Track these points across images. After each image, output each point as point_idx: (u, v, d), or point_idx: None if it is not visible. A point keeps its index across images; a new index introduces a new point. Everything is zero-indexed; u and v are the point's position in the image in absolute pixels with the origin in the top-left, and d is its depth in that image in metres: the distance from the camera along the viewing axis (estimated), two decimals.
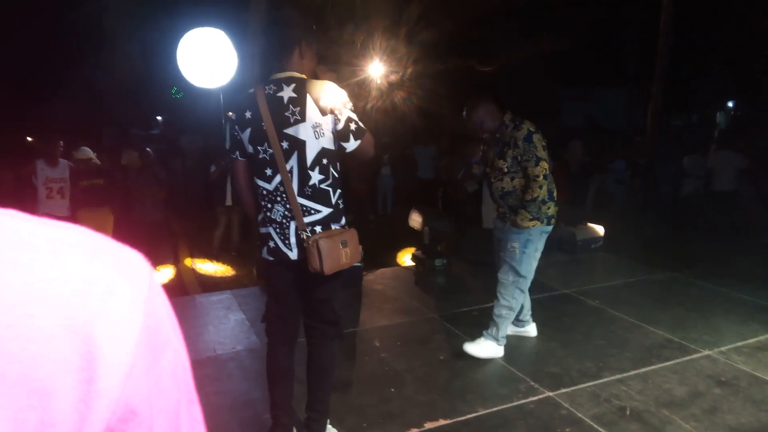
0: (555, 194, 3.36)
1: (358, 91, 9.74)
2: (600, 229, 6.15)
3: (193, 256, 6.95)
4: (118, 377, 0.33)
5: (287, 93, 2.21)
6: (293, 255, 2.30)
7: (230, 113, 2.38)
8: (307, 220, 2.27)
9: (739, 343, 3.70)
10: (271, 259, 2.36)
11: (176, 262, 6.66)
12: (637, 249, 6.13)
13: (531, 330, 3.85)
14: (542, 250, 3.47)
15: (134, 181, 6.23)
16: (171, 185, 7.28)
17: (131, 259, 0.38)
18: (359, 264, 4.70)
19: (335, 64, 8.90)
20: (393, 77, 10.67)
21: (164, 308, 0.38)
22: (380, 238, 7.72)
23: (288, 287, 2.41)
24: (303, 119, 2.20)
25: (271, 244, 2.32)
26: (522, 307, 3.70)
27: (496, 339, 3.49)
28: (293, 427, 2.55)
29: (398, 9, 9.66)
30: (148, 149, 6.60)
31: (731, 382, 3.19)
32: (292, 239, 2.28)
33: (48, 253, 0.33)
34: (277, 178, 2.24)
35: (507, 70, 11.73)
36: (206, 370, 3.35)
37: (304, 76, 2.28)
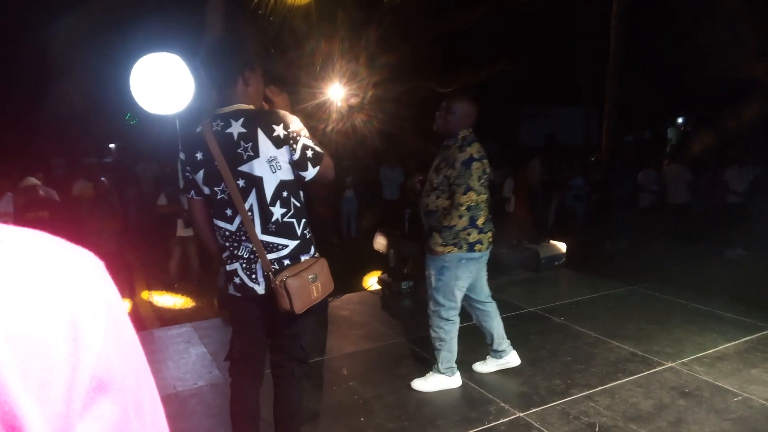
0: (480, 223, 3.15)
1: (318, 114, 9.73)
2: (562, 246, 6.25)
3: (150, 288, 6.72)
4: (97, 338, 0.40)
5: (236, 129, 2.10)
6: (260, 289, 2.20)
7: (180, 154, 2.23)
8: (273, 256, 2.17)
9: (700, 354, 3.78)
10: (237, 295, 2.25)
11: (132, 294, 6.42)
12: (598, 264, 6.25)
13: (512, 360, 3.61)
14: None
15: (88, 212, 6.00)
16: (125, 215, 7.07)
17: (84, 251, 0.45)
18: None
19: (294, 86, 8.88)
20: (353, 100, 10.72)
21: (116, 291, 0.46)
22: (345, 262, 7.65)
23: (254, 323, 2.31)
24: (256, 155, 2.09)
25: (237, 280, 2.22)
26: (493, 337, 3.54)
27: (440, 372, 3.36)
28: None
29: (357, 31, 9.75)
30: (102, 179, 6.39)
31: (694, 393, 3.24)
32: (259, 274, 2.18)
33: (24, 250, 0.40)
34: (239, 218, 2.15)
35: (467, 90, 11.95)
36: (166, 408, 3.14)
37: (251, 107, 2.18)
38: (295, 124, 2.17)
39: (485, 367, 3.61)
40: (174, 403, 3.25)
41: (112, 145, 15.74)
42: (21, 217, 5.31)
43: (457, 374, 3.41)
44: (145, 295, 6.50)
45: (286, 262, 2.19)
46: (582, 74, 16.13)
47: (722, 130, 9.68)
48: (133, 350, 0.46)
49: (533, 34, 13.37)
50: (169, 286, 6.77)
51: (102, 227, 5.97)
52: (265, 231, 2.16)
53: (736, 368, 3.55)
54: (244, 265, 2.19)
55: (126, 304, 6.05)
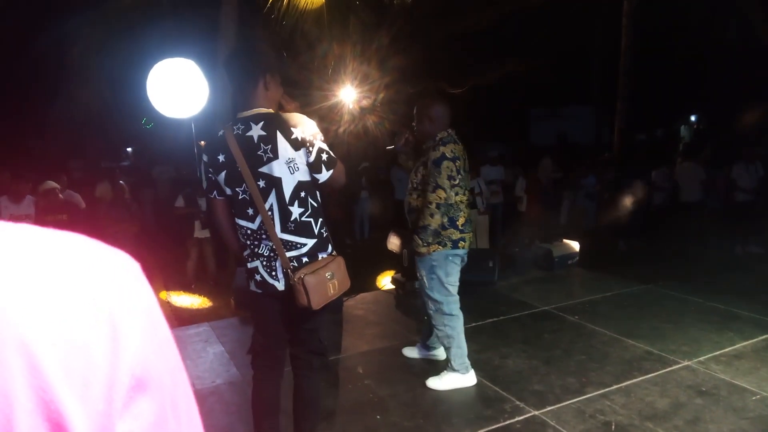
0: (460, 224, 3.21)
1: (330, 116, 9.79)
2: (575, 245, 6.24)
3: (167, 288, 6.80)
4: (135, 337, 0.42)
5: (256, 132, 2.20)
6: (280, 286, 2.28)
7: (203, 143, 2.37)
8: (292, 254, 2.25)
9: (717, 352, 3.76)
10: (258, 291, 2.33)
11: None
12: (611, 263, 6.23)
13: (440, 354, 3.73)
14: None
15: (106, 214, 6.10)
16: (143, 217, 7.16)
17: (121, 252, 0.48)
18: None
19: (307, 88, 8.95)
20: (365, 101, 10.76)
21: (152, 292, 0.47)
22: (359, 262, 7.69)
23: (274, 319, 2.39)
24: (276, 156, 2.19)
25: (258, 277, 2.31)
26: (429, 332, 3.66)
27: (455, 370, 3.40)
28: None
29: (369, 34, 9.80)
30: (121, 182, 6.48)
31: (711, 392, 3.23)
32: (279, 272, 2.27)
33: (67, 251, 0.43)
34: (260, 218, 2.24)
35: (478, 91, 11.95)
36: None
37: (271, 111, 2.28)
38: (312, 128, 2.27)
39: (412, 352, 3.82)
40: None
41: (129, 149, 15.95)
42: (42, 220, 5.42)
43: (472, 372, 3.43)
44: (163, 295, 6.59)
45: (305, 259, 2.27)
46: (593, 73, 16.05)
47: (735, 128, 9.60)
48: (169, 350, 0.47)
49: (544, 35, 13.34)
50: (187, 287, 6.85)
51: (120, 229, 6.06)
52: (284, 230, 2.25)
53: (753, 367, 3.53)
54: (264, 263, 2.28)
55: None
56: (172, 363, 0.47)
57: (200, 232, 6.77)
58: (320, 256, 2.31)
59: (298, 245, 2.27)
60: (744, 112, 9.61)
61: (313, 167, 2.26)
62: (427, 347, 3.79)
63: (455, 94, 11.00)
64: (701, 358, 3.67)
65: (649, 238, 7.85)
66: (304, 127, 2.24)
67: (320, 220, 2.34)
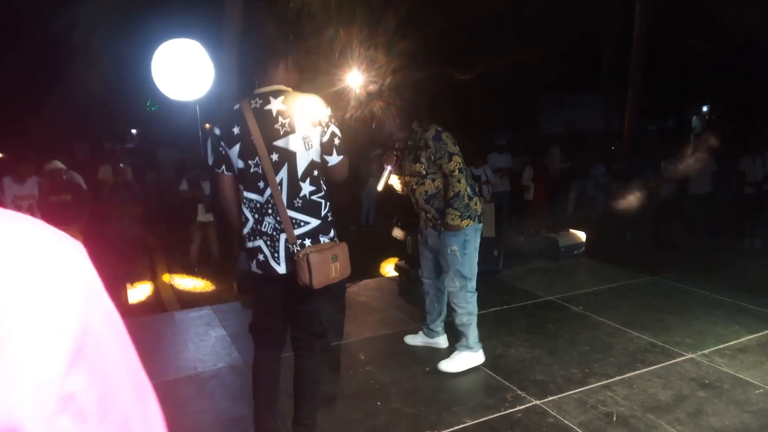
0: (476, 188, 3.40)
1: (336, 101, 9.71)
2: (582, 235, 6.19)
3: (171, 271, 6.82)
4: (78, 302, 0.45)
5: (276, 105, 2.23)
6: (281, 269, 2.30)
7: (208, 125, 2.37)
8: (296, 232, 2.27)
9: (721, 345, 3.73)
10: (259, 272, 2.35)
11: (154, 278, 6.53)
12: (618, 253, 6.18)
13: (442, 341, 3.77)
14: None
15: (109, 197, 6.09)
16: (146, 200, 7.16)
17: (64, 234, 0.50)
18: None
19: (313, 73, 8.87)
20: (372, 86, 10.66)
21: (94, 270, 0.50)
22: (363, 249, 7.67)
23: (274, 301, 2.43)
24: (293, 131, 2.22)
25: (261, 257, 2.32)
26: (437, 315, 3.71)
27: (469, 348, 3.45)
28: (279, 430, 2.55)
29: (376, 18, 9.69)
30: (122, 165, 6.47)
31: (714, 385, 3.20)
32: (281, 253, 2.29)
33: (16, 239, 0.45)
34: (269, 191, 2.25)
35: (487, 78, 11.82)
36: (187, 389, 3.26)
37: (290, 89, 2.30)
38: (329, 110, 2.32)
39: (414, 340, 3.82)
40: (194, 384, 3.31)
41: (133, 131, 15.95)
42: (45, 200, 5.42)
43: (482, 350, 3.49)
44: (167, 278, 6.61)
45: (307, 241, 2.29)
46: (604, 61, 15.83)
47: (747, 120, 9.45)
48: (113, 319, 0.50)
49: (554, 21, 13.13)
50: (190, 270, 6.87)
51: (123, 212, 6.06)
52: (290, 206, 2.27)
53: (758, 360, 3.50)
54: (267, 242, 2.30)
55: (147, 288, 6.16)
56: (117, 331, 0.50)
57: (204, 216, 6.77)
58: (321, 239, 2.32)
59: (302, 223, 2.28)
60: (757, 103, 9.46)
61: (325, 148, 2.31)
62: (431, 333, 3.78)
63: (464, 81, 10.89)
64: (705, 351, 3.64)
65: (657, 229, 7.78)
66: (322, 107, 2.28)
67: (329, 204, 2.37)
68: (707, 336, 3.89)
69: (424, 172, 3.30)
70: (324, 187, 2.35)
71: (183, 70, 6.46)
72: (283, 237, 2.28)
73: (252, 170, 2.26)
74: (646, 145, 9.31)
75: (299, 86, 2.44)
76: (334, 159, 2.33)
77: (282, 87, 2.29)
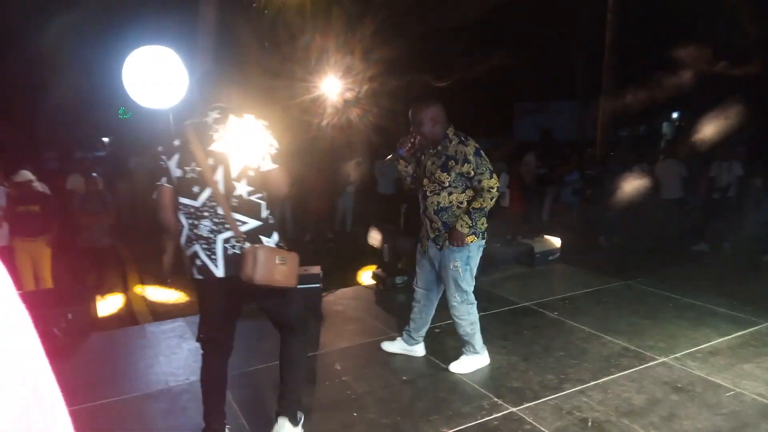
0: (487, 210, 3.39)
1: (312, 108, 9.67)
2: (557, 241, 6.25)
3: (143, 283, 6.68)
4: None
5: (211, 117, 2.41)
6: (219, 272, 2.39)
7: (159, 147, 2.48)
8: (233, 233, 2.38)
9: (693, 349, 3.79)
10: (200, 278, 2.42)
11: (125, 290, 6.39)
12: (592, 259, 6.25)
13: (419, 350, 3.78)
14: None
15: (80, 207, 5.94)
16: (119, 210, 7.01)
17: None
18: (318, 285, 4.61)
19: (289, 80, 8.83)
20: (348, 94, 10.66)
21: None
22: (340, 256, 7.63)
23: (217, 306, 2.51)
24: (225, 134, 2.37)
25: (198, 262, 2.40)
26: (422, 325, 3.71)
27: (477, 352, 3.55)
28: (225, 431, 2.65)
29: (352, 25, 9.70)
30: (94, 174, 6.33)
31: (687, 388, 3.24)
32: (219, 254, 2.37)
33: None
34: (205, 193, 2.36)
35: (462, 85, 11.91)
36: (158, 404, 3.18)
37: (228, 106, 2.46)
38: (265, 122, 2.45)
39: (392, 347, 3.84)
40: (166, 399, 3.23)
41: (105, 139, 15.64)
42: (12, 211, 5.27)
43: (487, 352, 3.62)
44: (139, 290, 6.47)
45: (246, 243, 2.36)
46: (578, 69, 16.11)
47: (717, 126, 9.69)
48: (16, 309, 0.50)
49: (529, 30, 13.33)
50: (163, 281, 6.73)
51: (94, 222, 5.92)
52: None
53: (728, 363, 3.56)
54: (204, 246, 2.38)
55: (119, 300, 6.03)
56: (22, 322, 0.49)
57: None
58: (263, 239, 2.42)
59: (239, 223, 2.38)
60: (724, 110, 9.70)
61: (260, 153, 2.42)
62: (411, 341, 3.76)
63: (440, 88, 10.96)
64: (677, 355, 3.69)
65: (630, 234, 7.90)
66: (256, 118, 2.43)
67: (270, 209, 2.49)
68: (679, 339, 3.95)
69: (446, 184, 3.27)
70: (263, 191, 2.44)
71: (155, 77, 6.36)
72: (220, 238, 2.36)
73: (188, 176, 2.37)
74: (618, 151, 9.47)
75: (261, 98, 2.64)
76: (267, 165, 2.40)
77: (221, 105, 2.44)
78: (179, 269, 6.84)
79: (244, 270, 2.27)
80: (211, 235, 2.36)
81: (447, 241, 3.32)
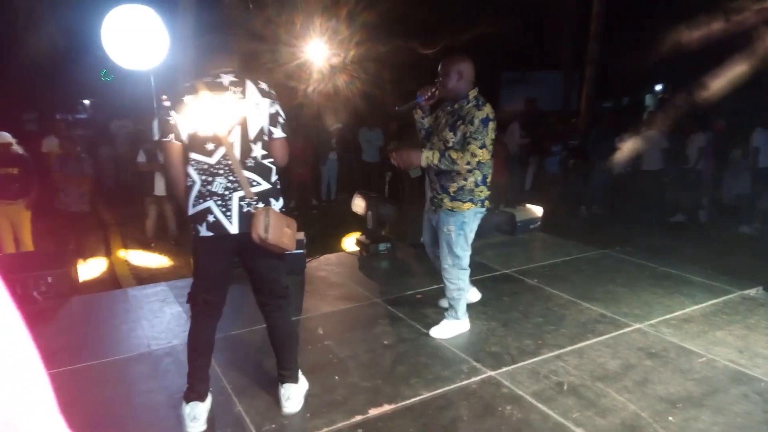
0: (489, 181, 3.42)
1: (298, 73, 9.51)
2: (538, 211, 6.31)
3: (126, 247, 6.63)
4: None
5: (227, 78, 2.41)
6: (234, 229, 2.39)
7: (164, 98, 2.43)
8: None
9: (667, 316, 3.88)
10: (209, 234, 2.39)
11: (108, 254, 6.35)
12: (572, 228, 6.34)
13: (472, 296, 3.94)
14: (478, 231, 3.56)
15: (57, 170, 5.83)
16: (99, 173, 6.90)
17: None
18: (302, 251, 4.62)
19: (274, 44, 8.65)
20: (335, 60, 10.49)
21: None
22: (324, 223, 7.64)
23: (218, 266, 2.50)
24: (244, 97, 2.39)
25: (211, 218, 2.38)
26: None
27: (458, 318, 3.60)
28: (208, 392, 2.64)
29: None
30: (70, 136, 6.19)
31: (660, 354, 3.34)
32: (235, 211, 2.37)
33: None
34: (220, 151, 2.36)
35: (448, 53, 11.77)
36: (139, 367, 3.20)
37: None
38: (274, 92, 2.51)
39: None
40: (148, 362, 3.25)
41: (86, 102, 15.26)
42: None
43: (467, 318, 3.67)
44: (122, 254, 6.43)
45: (260, 203, 2.41)
46: (565, 38, 15.99)
47: (698, 99, 9.74)
48: None
49: None
50: (146, 246, 6.70)
51: (71, 185, 5.82)
52: (243, 166, 2.39)
53: (701, 330, 3.66)
54: (219, 202, 2.38)
55: (101, 263, 5.99)
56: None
57: (160, 190, 6.58)
58: (272, 202, 2.46)
59: (254, 182, 2.41)
60: (705, 84, 9.75)
61: (271, 120, 2.47)
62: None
63: (425, 55, 10.82)
64: (652, 321, 3.79)
65: (611, 204, 8.00)
66: (269, 85, 2.49)
67: (278, 174, 2.51)
68: (654, 307, 4.04)
69: (450, 144, 3.28)
70: (273, 156, 2.50)
71: (136, 37, 6.19)
72: (236, 195, 2.37)
73: (201, 133, 2.36)
74: (601, 122, 9.51)
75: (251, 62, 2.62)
76: (277, 132, 2.48)
77: (231, 69, 2.47)
78: (162, 234, 6.83)
79: (256, 229, 2.30)
80: (226, 192, 2.37)
81: (442, 205, 3.39)
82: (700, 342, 3.49)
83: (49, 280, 4.06)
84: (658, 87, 18.69)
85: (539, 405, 2.80)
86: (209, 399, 2.65)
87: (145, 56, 5.92)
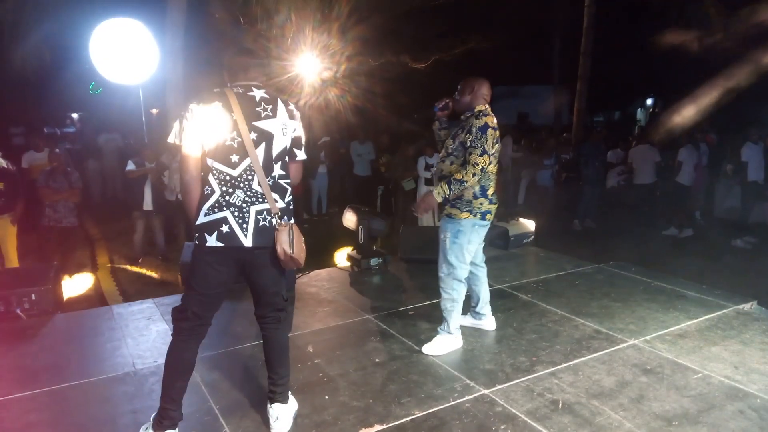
0: (490, 193, 3.41)
1: (289, 87, 9.49)
2: (531, 225, 6.28)
3: (113, 262, 6.53)
4: None
5: (259, 94, 2.43)
6: (247, 242, 2.35)
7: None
8: (264, 207, 2.39)
9: (662, 332, 3.84)
10: (218, 245, 2.34)
11: (94, 269, 6.24)
12: (565, 242, 6.30)
13: (487, 324, 3.88)
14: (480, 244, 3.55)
15: (44, 185, 5.73)
16: (86, 187, 6.81)
17: None
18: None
19: (264, 58, 8.62)
20: (326, 74, 10.48)
21: None
22: (314, 238, 7.57)
23: (219, 280, 2.43)
24: (274, 116, 2.42)
25: (225, 228, 2.34)
26: (479, 299, 3.82)
27: (449, 332, 3.55)
28: (179, 422, 2.53)
29: (329, 3, 9.51)
30: (57, 150, 6.11)
31: (656, 370, 3.29)
32: (251, 224, 2.35)
33: None
34: (245, 164, 2.36)
35: (439, 67, 11.83)
36: (124, 387, 3.10)
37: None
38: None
39: (463, 320, 3.82)
40: (132, 382, 3.16)
41: (74, 115, 15.16)
42: None
43: (460, 334, 3.62)
44: (108, 270, 6.32)
45: (274, 219, 2.41)
46: (555, 53, 16.15)
47: (689, 112, 9.82)
48: None
49: (506, 13, 13.26)
50: (133, 261, 6.59)
51: (59, 199, 5.72)
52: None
53: (697, 346, 3.62)
54: (236, 213, 2.35)
55: (87, 279, 5.88)
56: None
57: (148, 205, 6.49)
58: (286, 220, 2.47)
59: (275, 199, 2.43)
60: (696, 98, 9.84)
61: (295, 142, 2.53)
62: (476, 315, 3.87)
63: (417, 70, 10.86)
64: (647, 337, 3.75)
65: (604, 218, 8.00)
66: (296, 108, 2.55)
67: (291, 195, 2.56)
68: (649, 322, 4.00)
69: (449, 151, 3.39)
70: (291, 176, 2.55)
71: (125, 51, 6.14)
72: (253, 209, 2.36)
73: (227, 143, 2.34)
74: (593, 136, 9.55)
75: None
76: (300, 155, 2.55)
77: (260, 84, 2.49)
78: (150, 249, 6.73)
79: (281, 244, 2.33)
80: (244, 205, 2.36)
81: (443, 210, 3.45)
82: (696, 358, 3.45)
83: (33, 297, 3.97)
84: (649, 101, 18.88)
85: (534, 424, 2.73)
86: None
87: (134, 70, 5.87)
